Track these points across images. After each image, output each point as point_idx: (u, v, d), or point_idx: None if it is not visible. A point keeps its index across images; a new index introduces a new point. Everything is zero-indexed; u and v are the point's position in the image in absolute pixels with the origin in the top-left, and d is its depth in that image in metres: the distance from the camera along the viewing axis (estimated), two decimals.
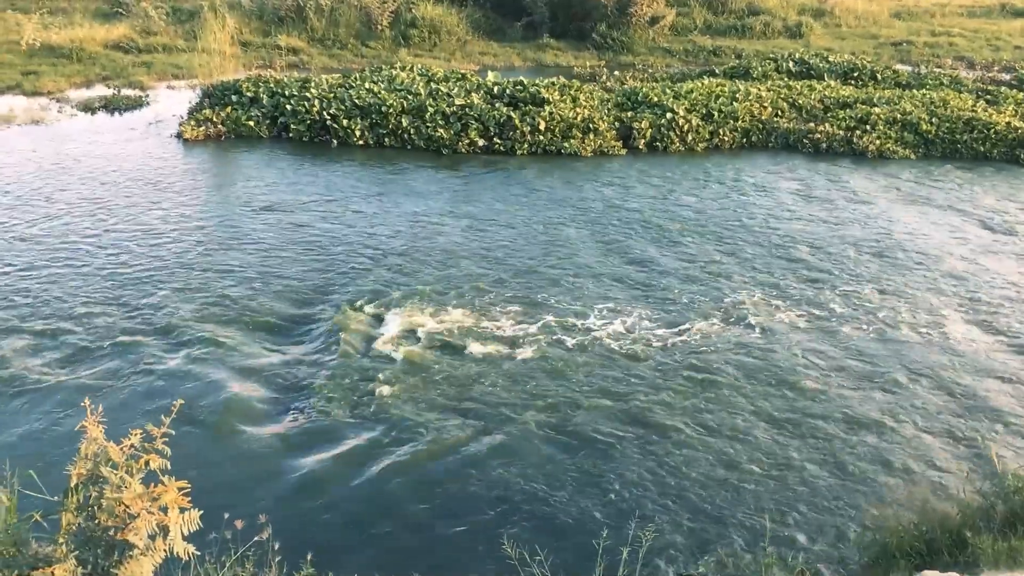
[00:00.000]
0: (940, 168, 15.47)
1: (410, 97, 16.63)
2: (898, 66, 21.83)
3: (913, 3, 29.94)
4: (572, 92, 17.32)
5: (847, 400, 8.50)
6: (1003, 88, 19.34)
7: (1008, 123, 16.39)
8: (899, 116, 16.74)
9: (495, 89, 17.13)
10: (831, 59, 21.22)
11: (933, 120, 16.56)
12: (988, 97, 18.40)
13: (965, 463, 7.54)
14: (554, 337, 9.56)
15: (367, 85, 17.21)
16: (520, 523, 6.73)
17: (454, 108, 16.26)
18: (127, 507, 3.17)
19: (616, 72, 21.30)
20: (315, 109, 16.38)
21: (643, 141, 16.29)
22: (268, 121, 16.60)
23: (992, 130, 16.20)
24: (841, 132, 16.47)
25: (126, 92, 19.45)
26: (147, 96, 19.28)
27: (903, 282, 11.07)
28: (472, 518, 6.78)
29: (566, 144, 15.95)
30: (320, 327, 9.64)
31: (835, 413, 8.27)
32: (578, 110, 16.42)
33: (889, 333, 9.82)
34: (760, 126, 16.88)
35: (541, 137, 15.99)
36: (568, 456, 7.61)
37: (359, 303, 10.11)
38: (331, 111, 16.28)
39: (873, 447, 7.76)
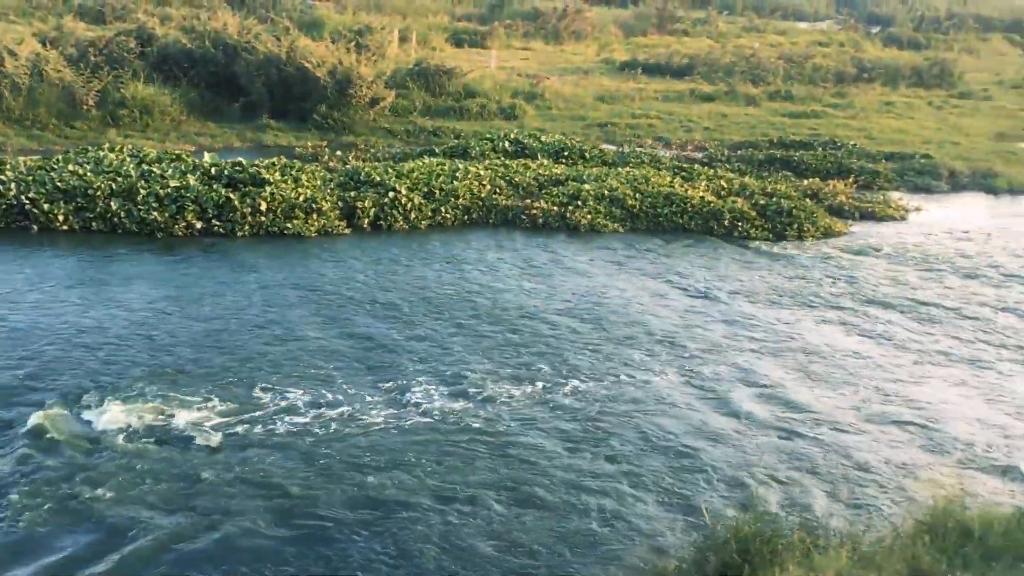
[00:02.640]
0: (645, 240, 16.54)
1: (120, 179, 15.84)
2: (604, 145, 23.25)
3: (615, 88, 32.11)
4: (294, 172, 17.14)
5: (570, 464, 8.79)
6: (696, 165, 21.05)
7: (702, 197, 17.82)
8: (607, 192, 17.79)
9: (213, 170, 16.65)
10: (543, 139, 22.30)
11: (637, 196, 17.73)
12: (684, 174, 19.93)
13: (680, 517, 7.97)
14: (281, 422, 9.29)
15: (71, 167, 16.24)
16: None
17: (168, 190, 15.64)
18: None
19: (338, 152, 21.34)
20: (11, 193, 15.24)
21: (367, 220, 16.34)
22: None
23: (688, 204, 17.55)
24: (555, 208, 17.27)
25: None
26: None
27: (617, 348, 11.67)
28: None
29: (289, 225, 15.72)
30: (21, 428, 8.85)
31: (559, 478, 8.53)
32: (300, 190, 16.26)
33: (605, 397, 10.29)
34: (480, 203, 17.40)
35: (263, 218, 15.68)
36: (297, 544, 7.37)
37: (66, 399, 9.39)
38: (30, 195, 15.20)
39: (596, 509, 8.05)
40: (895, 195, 20.37)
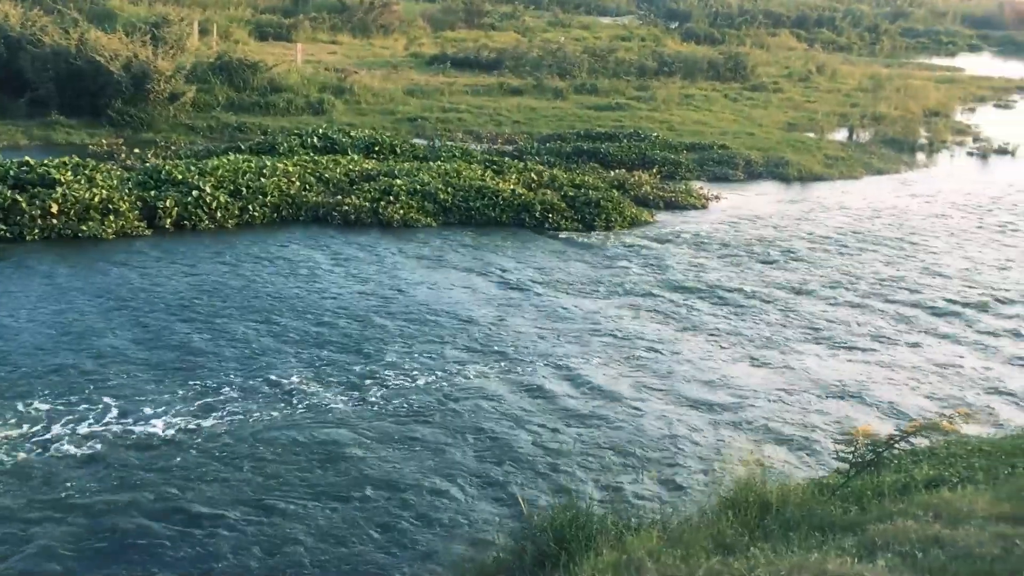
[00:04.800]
0: (458, 234, 16.60)
1: None
2: (415, 140, 23.16)
3: (424, 82, 32.05)
4: (87, 172, 16.25)
5: (386, 463, 8.72)
6: (507, 159, 21.25)
7: (513, 190, 18.04)
8: (419, 187, 17.74)
9: None
10: (353, 134, 21.99)
11: (449, 189, 17.76)
12: (495, 167, 20.09)
13: (498, 509, 8.04)
14: (78, 436, 8.80)
15: None
16: None
17: None
18: None
19: (136, 150, 20.38)
20: None
21: (169, 220, 15.69)
22: None
23: (500, 197, 17.72)
24: (367, 204, 17.09)
25: None
26: None
27: (432, 343, 11.66)
28: None
29: (84, 227, 14.91)
30: None
31: (376, 477, 8.47)
32: (95, 191, 15.43)
33: (421, 392, 10.26)
34: (290, 200, 17.01)
35: (54, 221, 14.81)
36: (103, 563, 7.01)
37: None
38: None
39: (414, 506, 8.02)
40: (696, 184, 21.21)
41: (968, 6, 78.10)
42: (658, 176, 21.12)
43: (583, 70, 35.23)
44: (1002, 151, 27.58)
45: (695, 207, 19.66)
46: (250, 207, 16.48)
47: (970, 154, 27.56)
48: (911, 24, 66.56)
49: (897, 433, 7.10)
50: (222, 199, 16.25)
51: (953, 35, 64.07)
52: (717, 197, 20.44)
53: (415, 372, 10.78)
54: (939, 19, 70.58)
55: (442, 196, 17.55)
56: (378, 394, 10.17)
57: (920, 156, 26.81)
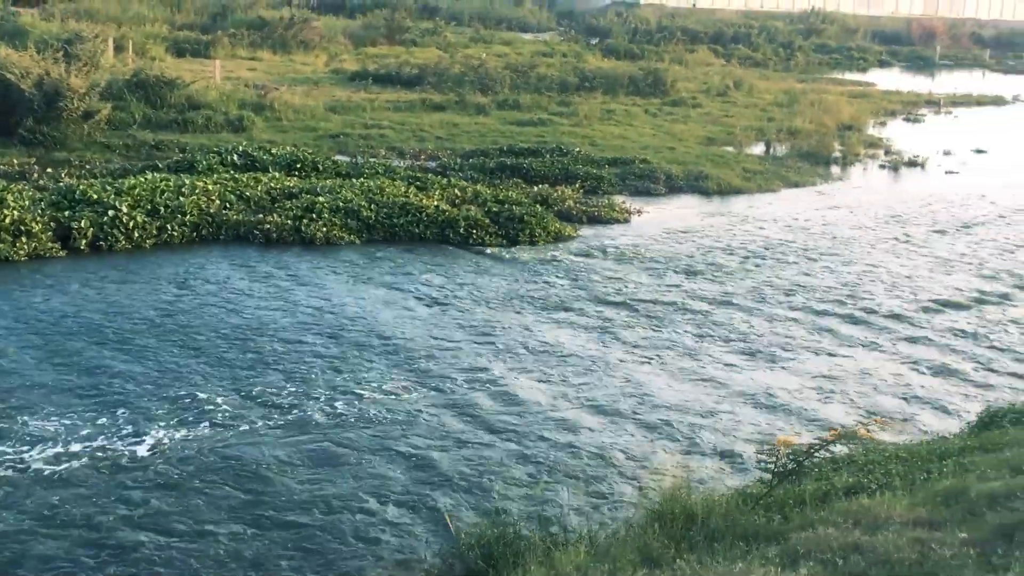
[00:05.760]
0: (382, 251, 16.50)
1: None
2: (337, 157, 22.98)
3: (346, 98, 31.85)
4: None
5: (312, 485, 8.61)
6: (430, 175, 21.20)
7: (437, 206, 18.00)
8: (342, 204, 17.60)
9: None
10: (274, 151, 21.72)
11: (372, 206, 17.65)
12: (418, 183, 20.03)
13: (426, 528, 7.98)
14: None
15: None
16: None
17: None
18: None
19: (50, 169, 19.86)
20: None
21: (85, 241, 15.31)
22: None
23: (424, 213, 17.67)
24: (289, 222, 16.89)
25: None
26: None
27: (357, 361, 11.56)
28: None
29: None
30: None
31: (302, 499, 8.36)
32: (6, 212, 15.01)
33: (347, 412, 10.15)
34: (210, 219, 16.72)
35: None
36: None
37: None
38: None
39: (341, 527, 7.93)
40: (619, 199, 21.40)
41: (878, 23, 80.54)
42: (581, 191, 21.26)
43: (505, 86, 35.35)
44: (912, 163, 28.38)
45: (618, 221, 19.84)
46: (168, 227, 16.17)
47: (882, 167, 28.31)
48: (824, 40, 68.29)
49: (817, 442, 7.24)
50: (139, 219, 15.91)
51: (864, 51, 65.87)
52: (639, 211, 20.65)
53: (339, 391, 10.67)
54: (850, 36, 72.54)
55: (365, 213, 17.43)
56: (302, 414, 10.04)
57: (835, 169, 27.44)
